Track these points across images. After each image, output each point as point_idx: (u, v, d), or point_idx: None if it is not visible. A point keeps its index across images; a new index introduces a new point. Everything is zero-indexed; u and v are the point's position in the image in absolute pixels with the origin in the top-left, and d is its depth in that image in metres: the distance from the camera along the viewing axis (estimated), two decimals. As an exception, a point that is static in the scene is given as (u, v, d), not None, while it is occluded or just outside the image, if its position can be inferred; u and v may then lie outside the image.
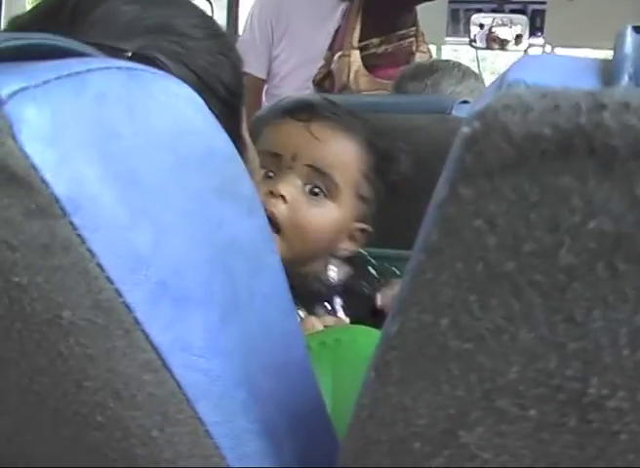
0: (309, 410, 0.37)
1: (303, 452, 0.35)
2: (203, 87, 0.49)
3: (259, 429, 0.33)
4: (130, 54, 0.45)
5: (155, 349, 0.30)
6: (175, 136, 0.33)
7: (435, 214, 0.23)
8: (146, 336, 0.29)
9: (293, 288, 0.72)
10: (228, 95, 0.52)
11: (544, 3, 2.73)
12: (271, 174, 0.75)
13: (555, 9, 2.74)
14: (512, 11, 2.84)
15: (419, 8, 1.88)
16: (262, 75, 1.96)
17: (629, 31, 0.24)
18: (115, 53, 0.43)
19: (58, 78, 0.29)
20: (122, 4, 0.49)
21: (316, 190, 0.75)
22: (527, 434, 0.24)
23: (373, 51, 1.84)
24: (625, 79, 0.23)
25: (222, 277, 0.33)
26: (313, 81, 1.91)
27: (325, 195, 0.75)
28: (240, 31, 2.16)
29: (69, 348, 0.29)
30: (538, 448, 0.24)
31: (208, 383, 0.31)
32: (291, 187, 0.73)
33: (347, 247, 0.79)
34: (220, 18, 2.28)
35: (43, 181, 0.27)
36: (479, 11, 2.93)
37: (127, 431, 0.31)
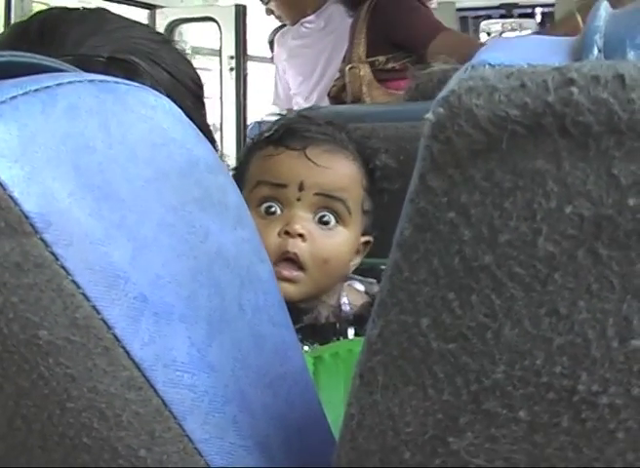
0: (307, 424, 0.36)
1: (300, 464, 0.34)
2: (176, 83, 0.51)
3: (251, 445, 0.32)
4: (106, 57, 0.46)
5: (137, 366, 0.29)
6: (152, 147, 0.32)
7: (408, 209, 0.22)
8: (127, 353, 0.28)
9: (307, 326, 0.72)
10: (197, 87, 0.55)
11: (552, 5, 2.71)
12: (275, 207, 0.73)
13: (564, 11, 2.72)
14: (521, 15, 2.83)
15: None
16: (287, 105, 2.20)
17: (604, 5, 0.23)
18: (90, 60, 0.44)
19: (25, 94, 0.29)
20: (80, 21, 0.52)
21: (326, 219, 0.74)
22: (519, 437, 0.22)
23: (380, 68, 1.84)
24: (595, 53, 0.21)
25: (209, 290, 0.32)
26: (329, 94, 1.92)
27: (336, 221, 0.74)
28: (249, 51, 2.26)
29: (49, 369, 0.29)
30: (532, 452, 0.23)
31: (194, 399, 0.30)
32: (305, 222, 0.72)
33: (355, 262, 0.78)
34: (229, 39, 2.30)
35: (11, 198, 0.27)
36: (488, 17, 2.93)
37: (114, 452, 0.30)
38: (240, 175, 0.77)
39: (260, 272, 0.37)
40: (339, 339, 0.71)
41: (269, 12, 2.18)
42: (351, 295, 0.77)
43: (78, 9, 0.55)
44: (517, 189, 0.20)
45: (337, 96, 1.91)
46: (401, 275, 0.23)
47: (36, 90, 0.29)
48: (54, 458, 0.32)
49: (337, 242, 0.73)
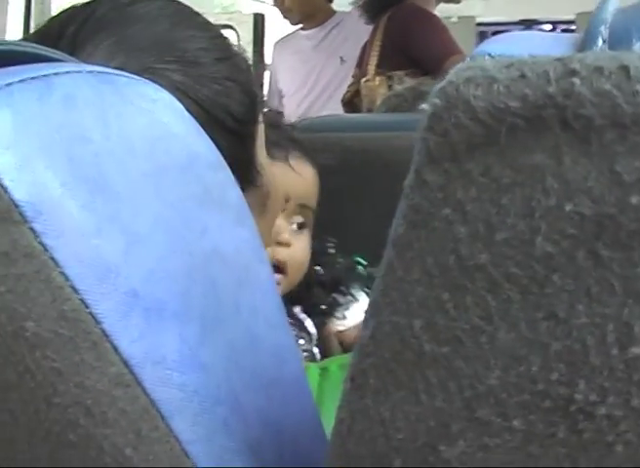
0: (302, 430, 0.35)
1: (293, 473, 0.33)
2: (208, 118, 0.45)
3: (242, 448, 0.31)
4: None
5: (125, 362, 0.28)
6: (151, 141, 0.32)
7: (402, 206, 0.21)
8: (115, 349, 0.28)
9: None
10: (237, 124, 0.49)
11: (572, 22, 2.69)
12: None
13: (583, 27, 2.70)
14: (541, 31, 2.81)
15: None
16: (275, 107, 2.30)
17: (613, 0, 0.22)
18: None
19: (21, 81, 0.28)
20: (125, 28, 0.46)
21: (300, 225, 0.78)
22: (513, 447, 0.21)
23: (397, 83, 1.82)
24: (599, 44, 0.20)
25: (203, 288, 0.32)
26: (342, 100, 1.92)
27: (304, 225, 0.78)
28: (267, 60, 2.32)
29: (36, 362, 0.28)
30: (526, 463, 0.21)
31: (183, 399, 0.29)
32: (288, 231, 0.76)
33: None
34: (247, 47, 2.31)
35: (1, 186, 0.26)
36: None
37: (100, 450, 0.29)
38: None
39: (259, 272, 0.36)
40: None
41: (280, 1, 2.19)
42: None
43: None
44: (515, 185, 0.19)
45: (350, 101, 1.91)
46: (394, 274, 0.22)
47: (33, 78, 0.29)
48: (40, 453, 0.32)
49: (307, 244, 0.78)
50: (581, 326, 0.19)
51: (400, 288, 0.22)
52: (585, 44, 0.21)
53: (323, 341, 0.79)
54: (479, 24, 3.11)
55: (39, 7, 1.69)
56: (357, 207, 0.92)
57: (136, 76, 0.33)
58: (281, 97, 2.29)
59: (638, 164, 0.17)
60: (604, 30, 0.21)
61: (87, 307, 0.27)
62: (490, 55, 0.21)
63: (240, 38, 2.30)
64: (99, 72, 0.31)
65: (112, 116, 0.31)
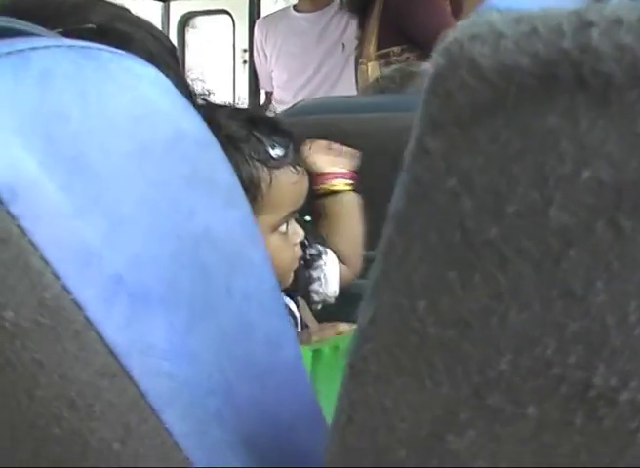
0: (300, 420, 0.33)
1: (292, 464, 0.31)
2: (158, 43, 0.46)
3: (237, 440, 0.29)
4: (93, 26, 0.43)
5: (111, 351, 0.26)
6: (135, 119, 0.30)
7: (403, 178, 0.20)
8: (100, 337, 0.26)
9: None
10: (172, 45, 0.51)
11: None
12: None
13: None
14: None
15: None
16: (269, 88, 2.20)
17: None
18: (80, 32, 0.41)
19: (-6, 55, 0.26)
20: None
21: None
22: (527, 437, 0.20)
23: (395, 58, 1.81)
24: (618, -7, 0.19)
25: (192, 272, 0.30)
26: None
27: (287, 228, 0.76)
28: None
29: (16, 353, 0.26)
30: (541, 453, 0.20)
31: (174, 389, 0.28)
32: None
33: None
34: (242, 32, 2.28)
35: (-27, 166, 0.24)
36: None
37: (86, 445, 0.28)
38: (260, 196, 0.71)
39: (252, 256, 0.34)
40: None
41: None
42: None
43: None
44: (527, 152, 0.17)
45: None
46: (395, 252, 0.20)
47: (8, 53, 0.27)
48: (23, 449, 0.30)
49: (290, 246, 0.77)
50: (601, 304, 0.18)
51: (401, 267, 0.20)
52: (603, -6, 0.19)
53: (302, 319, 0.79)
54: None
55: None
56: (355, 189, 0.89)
57: (120, 51, 0.31)
58: (270, 72, 2.19)
59: (663, 124, 0.16)
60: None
61: (69, 294, 0.26)
62: (498, 9, 0.19)
63: (235, 23, 2.27)
64: (80, 47, 0.29)
65: (93, 93, 0.29)
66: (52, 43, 0.29)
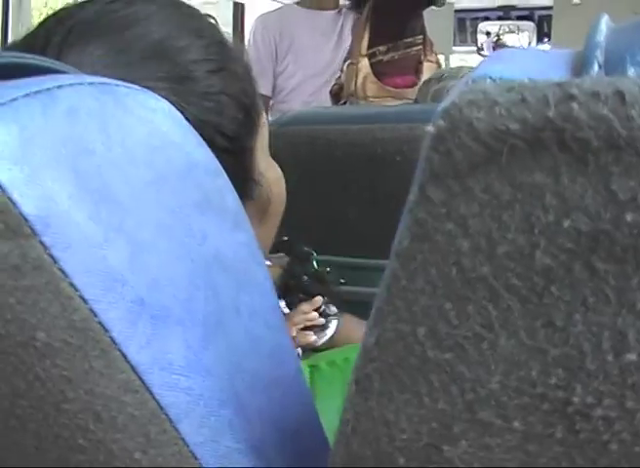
0: (302, 428, 0.36)
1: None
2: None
3: (246, 448, 0.32)
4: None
5: (134, 369, 0.29)
6: (152, 150, 0.32)
7: (406, 219, 0.22)
8: (124, 356, 0.29)
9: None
10: (229, 141, 0.47)
11: (550, 8, 2.72)
12: None
13: (562, 14, 2.73)
14: (519, 17, 2.83)
15: (426, 18, 1.88)
16: (268, 92, 2.02)
17: (605, 20, 0.23)
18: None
19: (26, 95, 0.29)
20: (115, 36, 0.45)
21: None
22: (513, 446, 0.23)
23: (380, 58, 1.82)
24: (595, 68, 0.21)
25: (206, 293, 0.33)
26: (330, 92, 1.90)
27: None
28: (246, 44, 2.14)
29: (46, 370, 0.29)
30: (525, 461, 0.23)
31: (190, 402, 0.30)
32: None
33: None
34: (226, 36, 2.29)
35: (11, 201, 0.27)
36: (486, 19, 2.93)
37: (110, 454, 0.30)
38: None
39: (257, 274, 0.37)
40: None
41: None
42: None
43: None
44: (516, 202, 0.20)
45: (337, 93, 1.90)
46: (398, 284, 0.23)
47: (37, 91, 0.29)
48: (48, 458, 0.32)
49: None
50: (578, 333, 0.20)
51: (404, 297, 0.23)
52: (582, 68, 0.22)
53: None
54: (457, 11, 3.12)
55: (16, 10, 1.66)
56: (343, 199, 0.92)
57: (135, 86, 0.33)
58: (277, 74, 1.99)
59: (632, 183, 0.19)
60: (600, 55, 0.22)
61: (95, 316, 0.28)
62: (491, 78, 0.22)
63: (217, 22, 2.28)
64: (99, 83, 0.32)
65: (114, 127, 0.31)
66: (75, 80, 0.31)
